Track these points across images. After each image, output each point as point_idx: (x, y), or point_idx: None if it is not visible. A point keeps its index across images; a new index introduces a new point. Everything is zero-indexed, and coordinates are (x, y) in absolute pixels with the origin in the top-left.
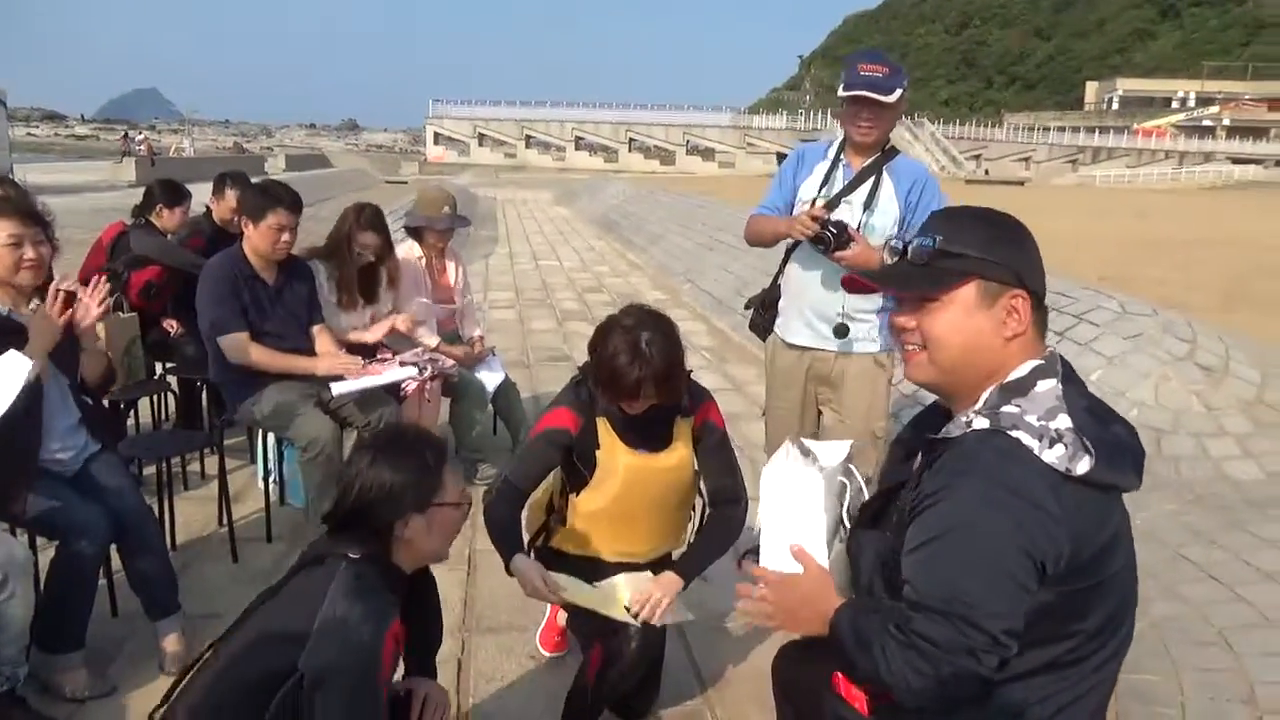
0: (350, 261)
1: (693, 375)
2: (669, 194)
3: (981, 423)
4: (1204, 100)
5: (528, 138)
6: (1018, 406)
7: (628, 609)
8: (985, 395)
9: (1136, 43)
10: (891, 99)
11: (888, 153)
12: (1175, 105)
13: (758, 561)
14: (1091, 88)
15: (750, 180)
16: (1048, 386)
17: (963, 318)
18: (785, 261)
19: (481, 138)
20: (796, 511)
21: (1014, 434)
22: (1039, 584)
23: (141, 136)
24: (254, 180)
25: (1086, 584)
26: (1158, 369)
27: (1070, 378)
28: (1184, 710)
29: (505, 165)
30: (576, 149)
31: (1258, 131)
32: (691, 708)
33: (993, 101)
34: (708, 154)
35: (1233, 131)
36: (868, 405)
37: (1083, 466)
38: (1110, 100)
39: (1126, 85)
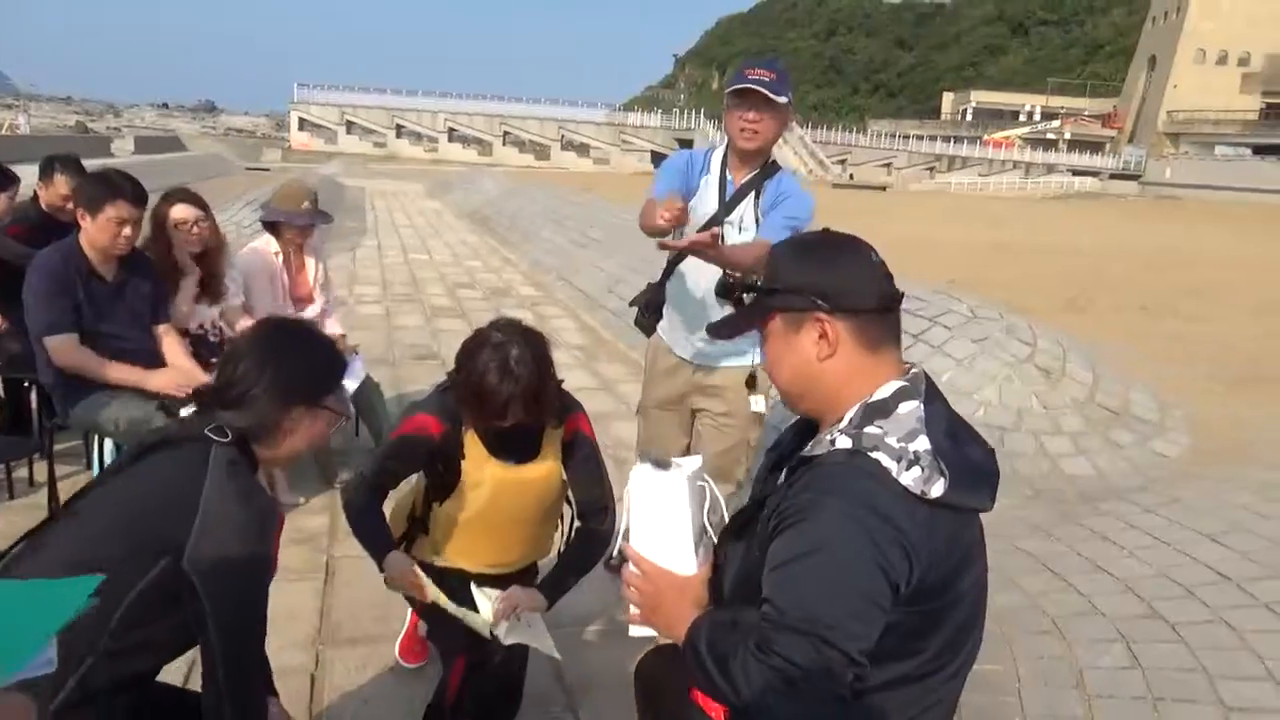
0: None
1: (563, 384)
2: (543, 189)
3: (844, 442)
4: (1048, 115)
5: (399, 127)
6: (880, 428)
7: (492, 629)
8: (850, 413)
9: (989, 57)
10: (782, 99)
11: (767, 169)
12: (1023, 118)
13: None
14: (948, 98)
15: (625, 178)
16: (910, 408)
17: (782, 348)
18: (670, 269)
19: (350, 125)
20: (663, 515)
21: (874, 455)
22: (892, 604)
23: None
24: (96, 166)
25: (935, 604)
26: (1002, 371)
27: (933, 397)
28: (1021, 698)
29: (375, 155)
30: (450, 140)
31: (1095, 145)
32: (554, 715)
33: (858, 108)
34: (583, 150)
35: (1073, 145)
36: (746, 416)
37: (937, 489)
38: (965, 111)
39: (980, 97)
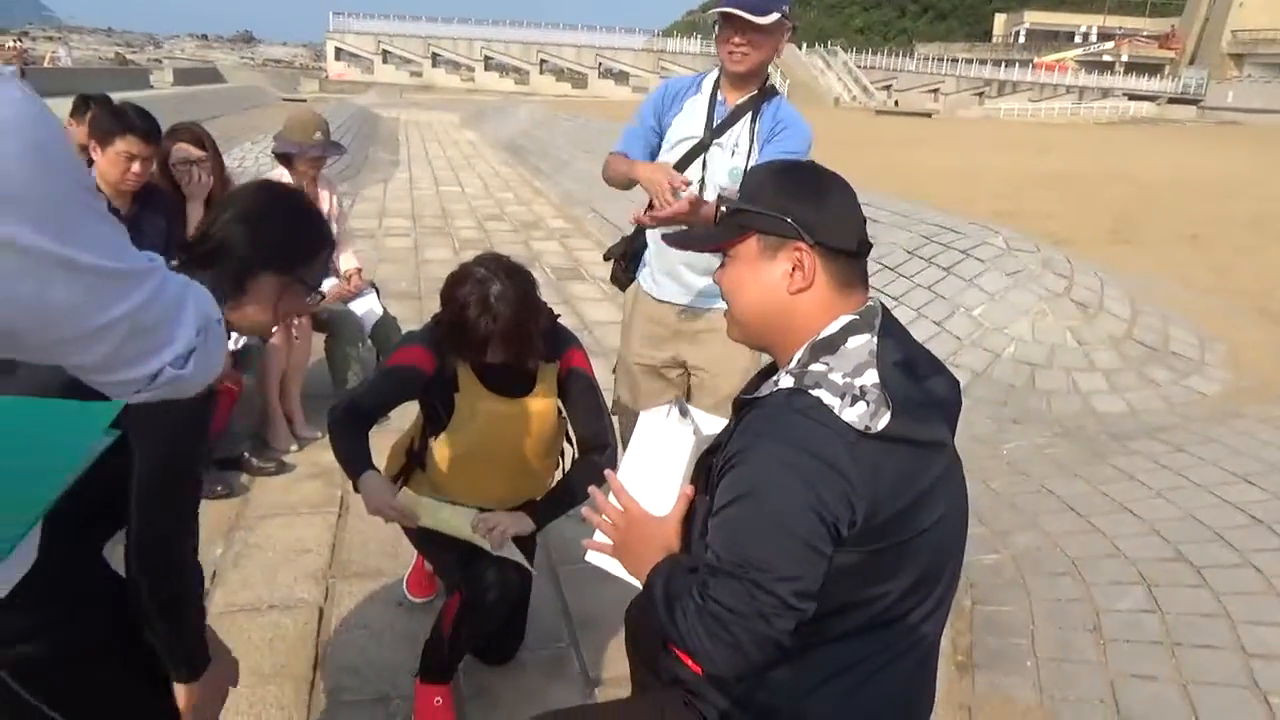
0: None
1: (559, 319)
2: (577, 118)
3: (787, 381)
4: (1105, 35)
5: (434, 56)
6: (825, 364)
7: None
8: (798, 354)
9: None
10: (766, 20)
11: (765, 92)
12: (1078, 40)
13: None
14: (1000, 20)
15: None
16: (860, 342)
17: (747, 272)
18: (638, 231)
19: (386, 55)
20: (660, 463)
21: (815, 393)
22: (835, 545)
23: (12, 44)
24: (136, 99)
25: (889, 542)
26: (1036, 305)
27: (889, 330)
28: (1034, 639)
29: (411, 85)
30: (486, 69)
31: (1153, 68)
32: (558, 651)
33: (905, 31)
34: (621, 78)
35: (1130, 68)
36: (746, 364)
37: (881, 423)
38: (1018, 33)
39: (1034, 18)
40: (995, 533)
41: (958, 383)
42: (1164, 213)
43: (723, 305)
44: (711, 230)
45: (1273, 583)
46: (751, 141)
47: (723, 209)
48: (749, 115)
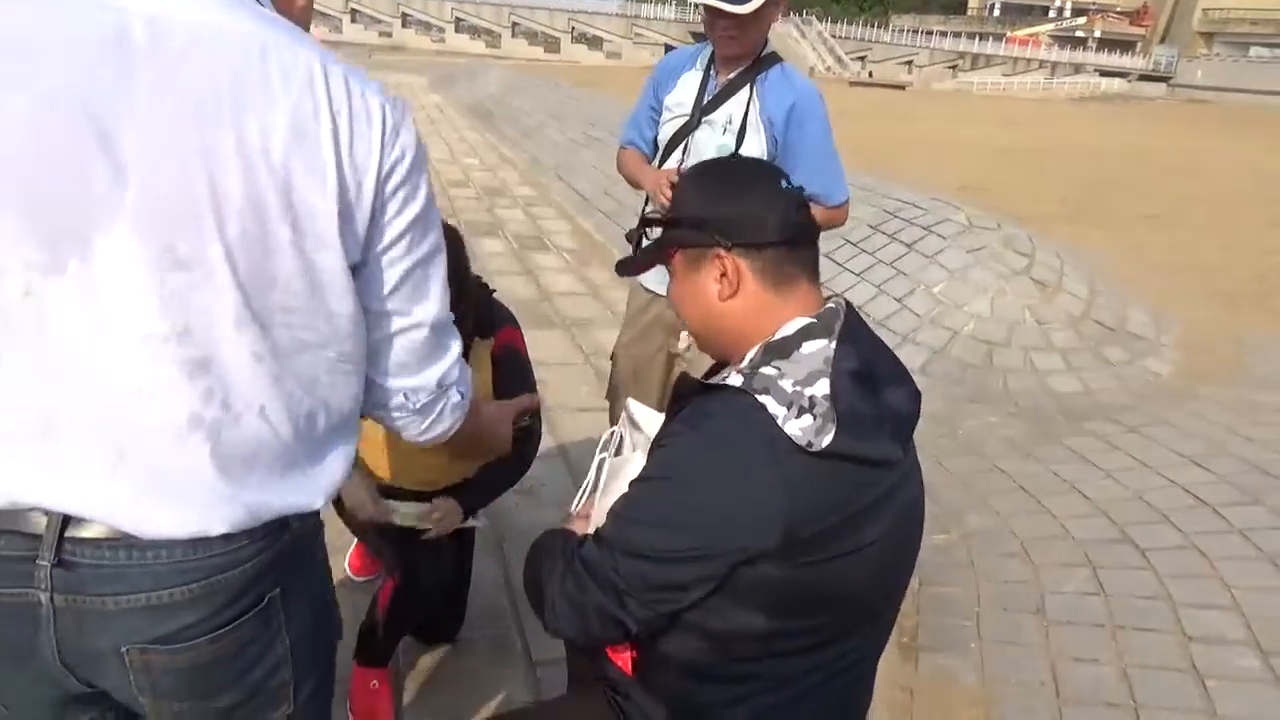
0: None
1: (494, 294)
2: (549, 83)
3: (735, 380)
4: (1079, 10)
5: (404, 16)
6: (776, 369)
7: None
8: (751, 354)
9: None
10: (746, 9)
11: (761, 62)
12: (1052, 14)
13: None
14: None
15: (637, 72)
16: (815, 348)
17: (685, 286)
18: (647, 199)
19: (355, 14)
20: (614, 490)
21: (761, 398)
22: (748, 564)
23: None
24: None
25: (818, 558)
26: (995, 283)
27: (851, 335)
28: (978, 621)
29: (381, 45)
30: (457, 31)
31: (1125, 44)
32: (501, 630)
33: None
34: (594, 42)
35: (1103, 43)
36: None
37: (825, 440)
38: (993, 7)
39: None
40: (947, 512)
41: (919, 393)
42: (1127, 191)
43: None
44: (643, 252)
45: (1215, 566)
46: (745, 117)
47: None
48: (745, 89)
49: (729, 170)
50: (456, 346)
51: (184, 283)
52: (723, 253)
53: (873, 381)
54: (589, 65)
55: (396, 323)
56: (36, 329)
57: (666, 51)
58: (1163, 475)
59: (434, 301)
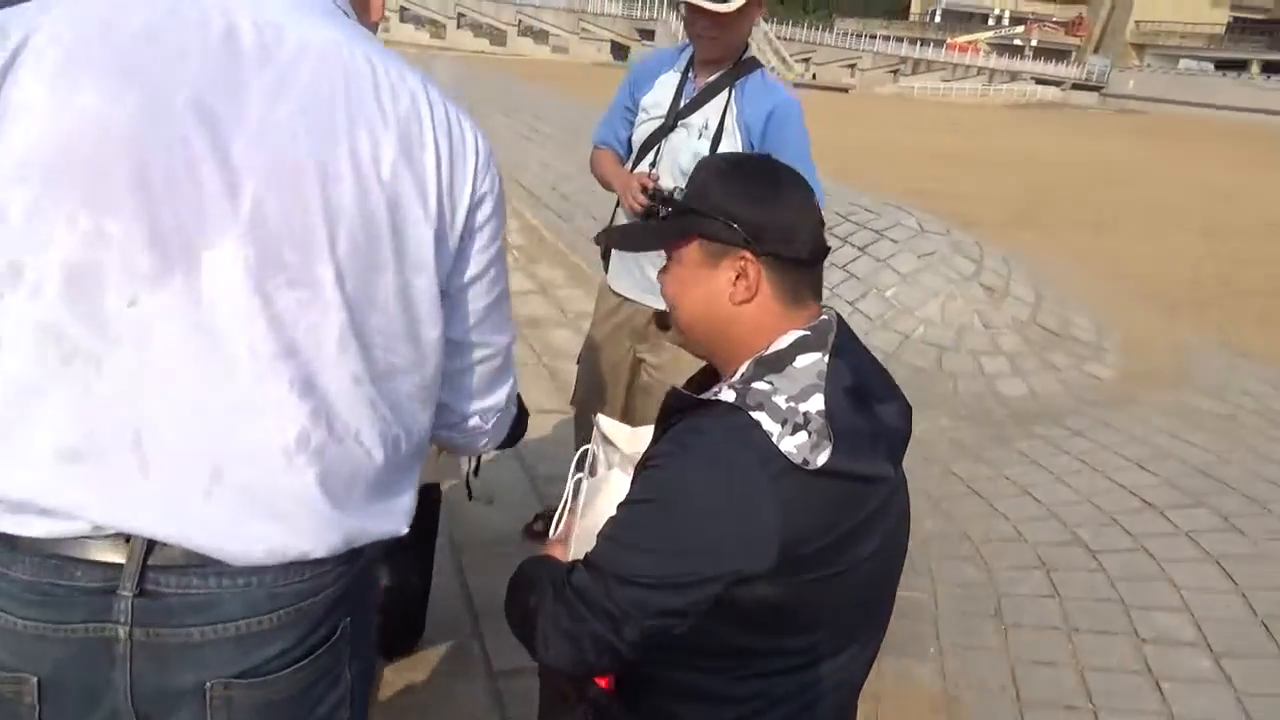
0: None
1: None
2: (498, 77)
3: (728, 395)
4: (1017, 19)
5: None
6: (770, 384)
7: None
8: (743, 368)
9: None
10: (727, 8)
11: (742, 65)
12: (991, 22)
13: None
14: None
15: (583, 68)
16: (809, 362)
17: (688, 278)
18: (618, 201)
19: None
20: (595, 512)
21: (755, 415)
22: (742, 583)
23: None
24: None
25: (813, 576)
26: (946, 287)
27: (843, 348)
28: (937, 625)
29: None
30: (401, 21)
31: (1061, 54)
32: (460, 642)
33: (826, 3)
34: (541, 36)
35: (1039, 52)
36: (689, 370)
37: (821, 458)
38: (934, 13)
39: None
40: None
41: (909, 409)
42: (1065, 197)
43: None
44: (654, 229)
45: (1164, 568)
46: (722, 122)
47: (666, 209)
48: (723, 94)
49: (766, 172)
50: (514, 365)
51: (293, 300)
52: (749, 256)
53: (865, 397)
54: (535, 59)
55: (479, 352)
56: (138, 341)
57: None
58: (1110, 478)
59: (509, 328)
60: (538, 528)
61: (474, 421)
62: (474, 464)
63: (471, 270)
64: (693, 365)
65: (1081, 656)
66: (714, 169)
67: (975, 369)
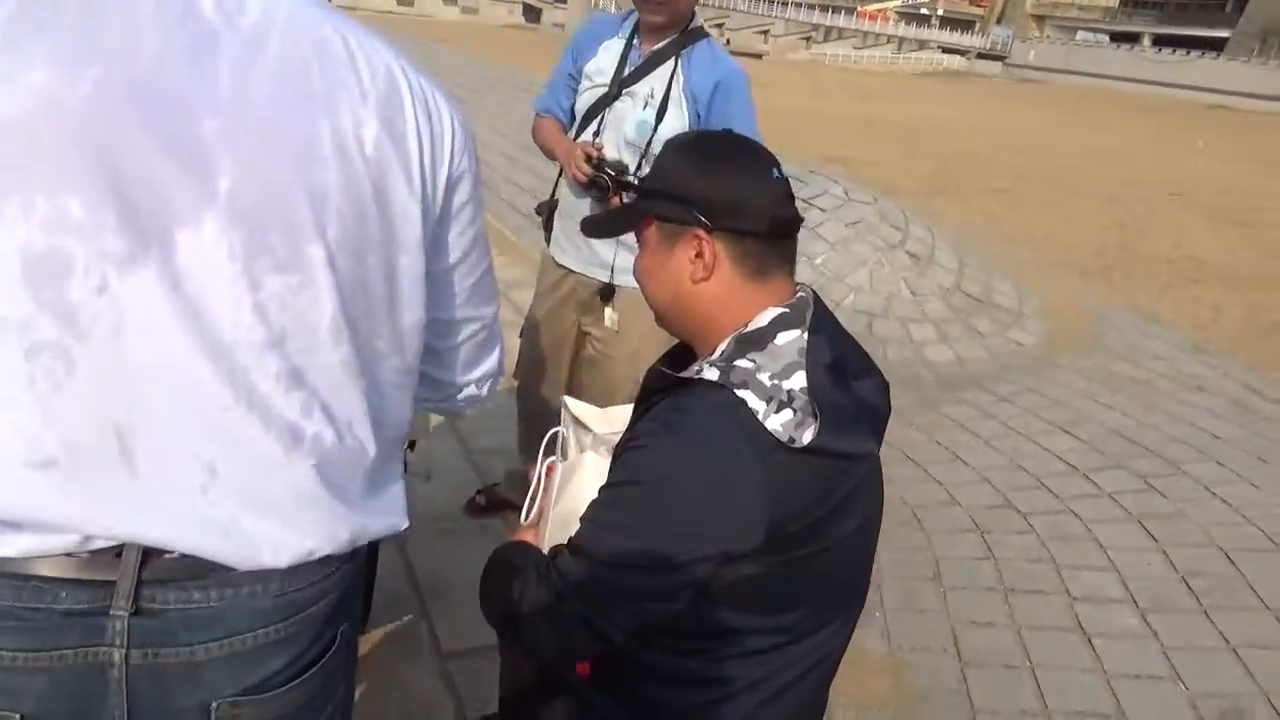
0: None
1: None
2: (406, 37)
3: (711, 374)
4: None
5: None
6: (753, 361)
7: None
8: (722, 345)
9: None
10: None
11: (688, 35)
12: None
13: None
14: None
15: (494, 30)
16: (789, 339)
17: (653, 262)
18: (561, 171)
19: None
20: (570, 496)
21: (740, 393)
22: (728, 563)
23: None
24: None
25: (799, 554)
26: (873, 255)
27: (821, 325)
28: (880, 591)
29: None
30: None
31: (966, 24)
32: (407, 624)
33: None
34: None
35: (945, 21)
36: (634, 347)
37: (807, 436)
38: None
39: None
40: None
41: (887, 385)
42: (978, 166)
43: (624, 280)
44: (615, 215)
45: (1090, 528)
46: (668, 92)
47: (618, 181)
48: (670, 63)
49: (720, 147)
50: (500, 327)
51: (281, 285)
52: (703, 234)
53: (845, 373)
54: (445, 20)
55: (468, 328)
56: (111, 331)
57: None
58: (1035, 442)
59: (495, 296)
60: (480, 502)
61: (469, 391)
62: (408, 440)
63: (455, 250)
64: (641, 338)
65: (1018, 616)
66: (672, 147)
67: (904, 336)
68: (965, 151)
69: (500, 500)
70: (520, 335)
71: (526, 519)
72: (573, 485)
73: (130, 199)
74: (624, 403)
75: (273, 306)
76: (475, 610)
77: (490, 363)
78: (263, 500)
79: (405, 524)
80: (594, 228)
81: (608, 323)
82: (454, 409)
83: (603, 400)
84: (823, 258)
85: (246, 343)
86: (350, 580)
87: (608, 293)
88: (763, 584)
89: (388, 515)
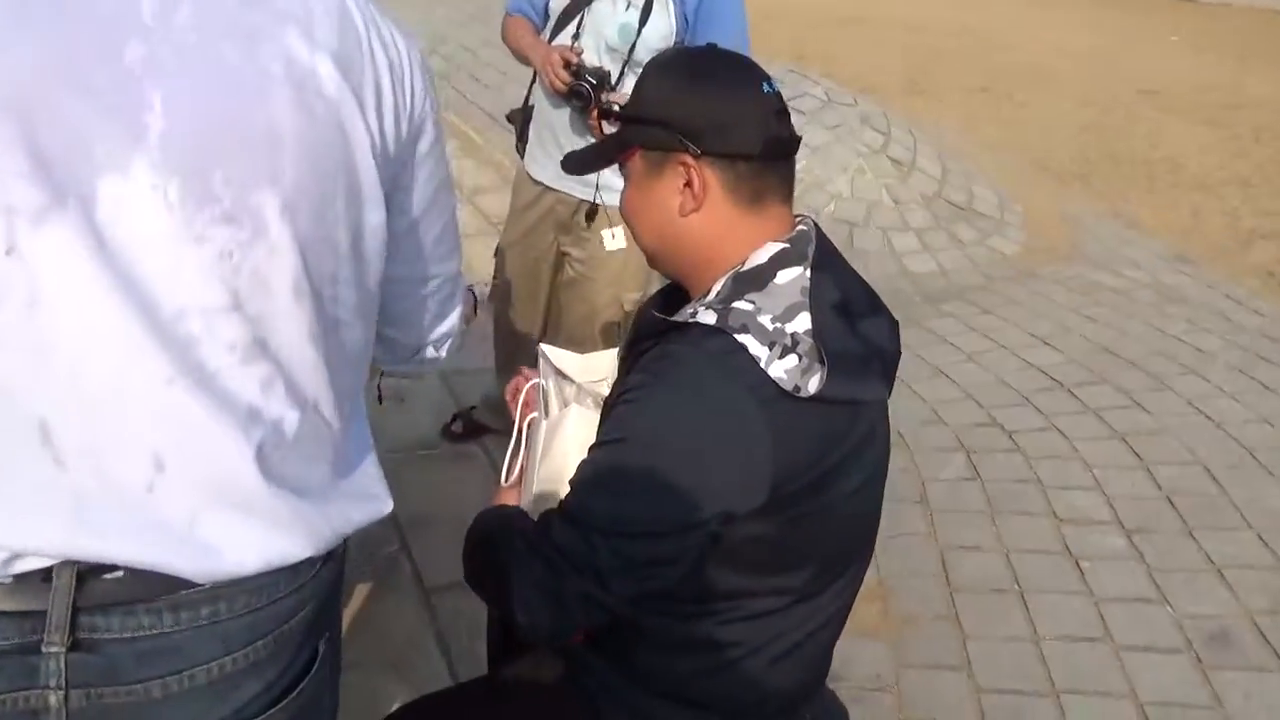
0: None
1: None
2: None
3: (708, 317)
4: None
5: None
6: (752, 303)
7: None
8: (718, 285)
9: None
10: None
11: None
12: None
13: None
14: None
15: None
16: (791, 276)
17: (639, 195)
18: (535, 77)
19: None
20: (555, 453)
21: (740, 338)
22: (728, 522)
23: None
24: None
25: (805, 509)
26: (855, 161)
27: (824, 261)
28: None
29: None
30: None
31: None
32: (387, 557)
33: None
34: None
35: None
36: (617, 269)
37: (814, 384)
38: None
39: None
40: None
41: (897, 324)
42: (953, 62)
43: (610, 199)
44: (597, 147)
45: (1076, 447)
46: (667, 2)
47: (612, 122)
48: None
49: (704, 64)
50: (462, 279)
51: (230, 239)
52: (689, 160)
53: (852, 313)
54: None
55: (430, 285)
56: (25, 300)
57: None
58: (1019, 357)
59: (458, 251)
60: (456, 429)
61: (428, 353)
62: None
63: (419, 203)
64: (624, 259)
65: (1005, 538)
66: (652, 67)
67: (885, 246)
68: (940, 48)
69: (477, 426)
70: (495, 255)
71: (507, 480)
72: (557, 442)
73: (41, 142)
74: (605, 327)
75: (224, 265)
76: (456, 543)
77: (450, 322)
78: (221, 495)
79: (389, 507)
80: (576, 164)
81: (609, 242)
82: (410, 371)
83: (584, 326)
84: (803, 163)
85: (192, 308)
86: (330, 585)
87: (592, 212)
88: (765, 544)
89: (368, 499)
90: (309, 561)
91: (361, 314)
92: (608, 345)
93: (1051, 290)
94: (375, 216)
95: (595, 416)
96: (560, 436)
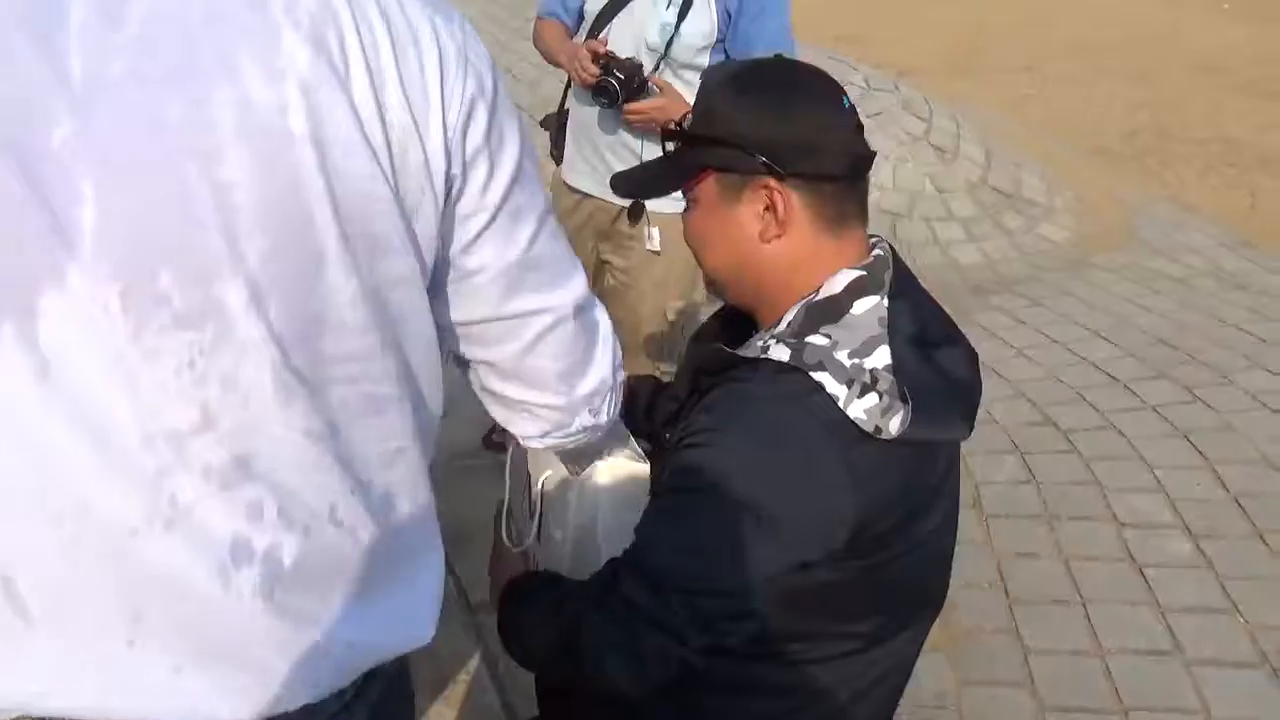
0: None
1: None
2: None
3: (781, 353)
4: None
5: None
6: (828, 336)
7: None
8: (790, 315)
9: None
10: None
11: None
12: None
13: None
14: None
15: None
16: (868, 306)
17: (710, 221)
18: (570, 82)
19: None
20: (577, 509)
21: (817, 376)
22: (801, 569)
23: None
24: None
25: (884, 557)
26: (897, 150)
27: (902, 288)
28: None
29: None
30: None
31: None
32: None
33: None
34: None
35: None
36: (660, 276)
37: (895, 425)
38: None
39: None
40: None
41: (975, 355)
42: (995, 40)
43: (650, 204)
44: (659, 168)
45: (1135, 446)
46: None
47: (669, 141)
48: None
49: (779, 77)
50: (603, 317)
51: (188, 347)
52: (773, 183)
53: (931, 346)
54: None
55: (536, 324)
56: None
57: None
58: (1072, 351)
59: (572, 274)
60: (497, 438)
61: (581, 420)
62: None
63: (478, 218)
64: (667, 265)
65: (1064, 546)
66: (717, 84)
67: (929, 237)
68: (981, 25)
69: None
70: None
71: (517, 543)
72: (586, 496)
73: None
74: (649, 338)
75: (185, 378)
76: (484, 553)
77: (601, 369)
78: (206, 644)
79: (430, 634)
80: (633, 187)
81: (649, 243)
82: (563, 446)
83: (628, 337)
84: None
85: (156, 435)
86: (368, 712)
87: (637, 211)
88: (837, 589)
89: (399, 625)
90: (336, 696)
91: (406, 381)
92: (651, 358)
93: (1104, 279)
94: (392, 265)
95: (630, 467)
96: (588, 489)
